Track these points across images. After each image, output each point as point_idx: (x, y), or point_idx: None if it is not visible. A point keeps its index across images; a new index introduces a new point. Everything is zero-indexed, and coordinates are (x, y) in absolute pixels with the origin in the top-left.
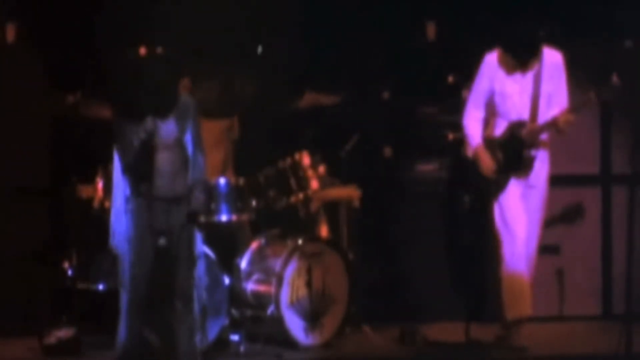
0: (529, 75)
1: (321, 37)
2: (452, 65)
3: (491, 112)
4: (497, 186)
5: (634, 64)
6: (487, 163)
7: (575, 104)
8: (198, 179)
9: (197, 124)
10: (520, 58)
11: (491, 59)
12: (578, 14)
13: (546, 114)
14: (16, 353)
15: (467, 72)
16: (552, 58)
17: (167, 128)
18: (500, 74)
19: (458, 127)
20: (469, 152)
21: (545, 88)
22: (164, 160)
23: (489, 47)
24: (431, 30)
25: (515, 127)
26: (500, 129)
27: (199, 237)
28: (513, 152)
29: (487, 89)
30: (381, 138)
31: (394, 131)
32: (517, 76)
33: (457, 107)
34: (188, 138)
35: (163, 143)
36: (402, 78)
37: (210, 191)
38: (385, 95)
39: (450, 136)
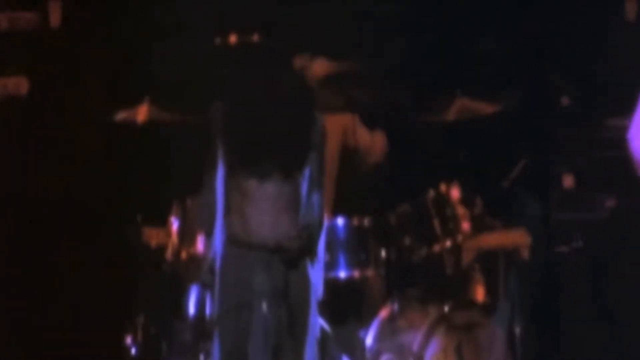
0: None
1: (478, 23)
2: None
3: None
4: None
5: None
6: None
7: None
8: (310, 222)
9: (322, 156)
10: None
11: None
12: None
13: None
14: None
15: None
16: None
17: None
18: None
19: None
20: None
21: None
22: (263, 196)
23: None
24: (631, 7)
25: None
26: None
27: (314, 303)
28: None
29: None
30: (559, 162)
31: (576, 152)
32: None
33: None
34: (306, 172)
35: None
36: (587, 78)
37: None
38: (565, 101)
39: None
